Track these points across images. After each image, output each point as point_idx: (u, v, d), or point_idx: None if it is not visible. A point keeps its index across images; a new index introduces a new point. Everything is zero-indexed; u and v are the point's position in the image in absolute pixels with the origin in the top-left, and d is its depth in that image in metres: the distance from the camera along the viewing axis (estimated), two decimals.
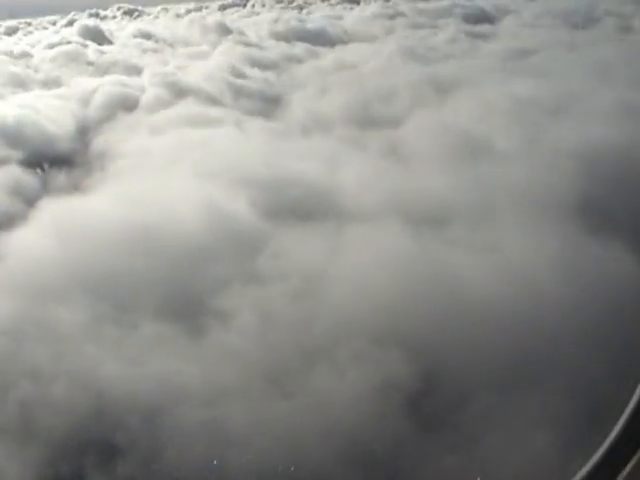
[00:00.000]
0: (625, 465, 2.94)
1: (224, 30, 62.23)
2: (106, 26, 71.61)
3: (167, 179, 28.18)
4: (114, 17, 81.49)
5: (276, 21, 64.48)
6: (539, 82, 36.86)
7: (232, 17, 74.22)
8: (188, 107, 42.25)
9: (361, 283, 18.95)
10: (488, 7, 64.67)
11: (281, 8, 77.88)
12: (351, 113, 37.10)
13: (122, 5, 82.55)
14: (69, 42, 60.61)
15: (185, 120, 38.93)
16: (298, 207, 24.04)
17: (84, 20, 72.77)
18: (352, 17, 67.11)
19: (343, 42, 58.09)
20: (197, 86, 46.45)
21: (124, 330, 18.65)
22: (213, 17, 69.50)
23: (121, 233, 23.03)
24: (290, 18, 65.52)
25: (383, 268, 19.50)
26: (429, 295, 18.60)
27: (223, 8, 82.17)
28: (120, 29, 69.62)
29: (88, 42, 61.34)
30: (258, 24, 65.74)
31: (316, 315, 18.61)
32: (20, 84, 50.49)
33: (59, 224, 25.19)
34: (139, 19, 79.89)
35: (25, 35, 72.12)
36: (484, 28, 57.85)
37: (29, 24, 78.02)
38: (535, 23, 57.61)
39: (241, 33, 61.73)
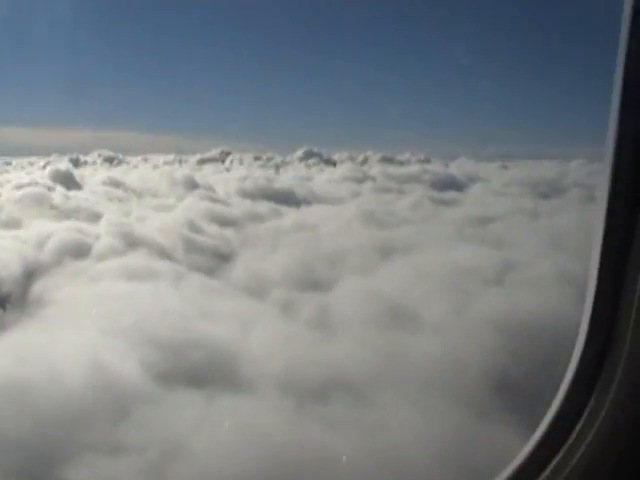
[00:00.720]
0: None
1: (193, 184, 62.63)
2: (79, 171, 72.70)
3: (75, 331, 27.15)
4: (94, 163, 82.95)
5: (245, 179, 64.87)
6: (487, 250, 36.79)
7: (206, 172, 75.56)
8: (135, 258, 41.71)
9: (219, 461, 17.41)
10: (458, 174, 65.99)
11: (258, 166, 79.45)
12: (292, 275, 36.61)
13: (103, 152, 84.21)
14: (37, 184, 60.92)
15: (125, 271, 38.32)
16: (193, 372, 22.89)
17: (57, 164, 73.95)
18: (321, 179, 68.01)
19: (308, 203, 58.28)
20: (151, 238, 45.96)
21: None
22: (183, 171, 70.12)
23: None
24: (259, 177, 66.02)
25: (249, 445, 18.00)
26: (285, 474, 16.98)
27: (202, 162, 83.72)
28: (92, 175, 70.13)
29: (57, 186, 61.54)
30: (229, 180, 66.23)
31: None
32: None
33: None
34: (118, 167, 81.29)
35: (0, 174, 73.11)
36: (450, 195, 58.40)
37: (9, 164, 79.44)
38: (503, 191, 58.93)
39: (209, 188, 62.10)
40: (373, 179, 65.17)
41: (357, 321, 28.01)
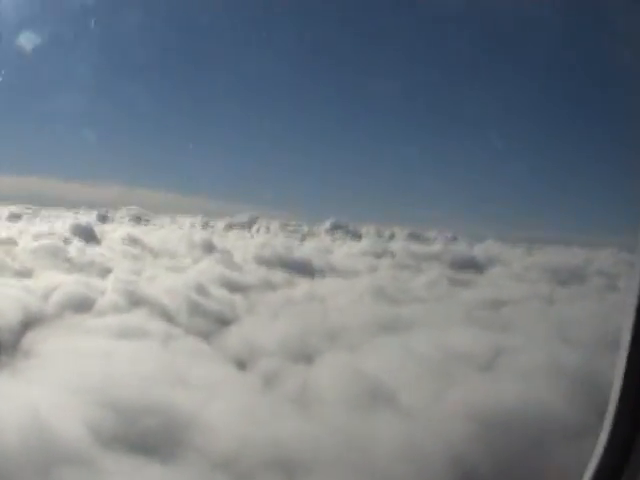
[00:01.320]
0: None
1: (210, 248, 62.20)
2: (105, 227, 72.91)
3: (40, 386, 26.34)
4: (121, 219, 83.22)
5: (264, 246, 64.23)
6: (489, 334, 35.46)
7: (230, 237, 75.40)
8: (134, 317, 41.02)
9: None
10: (479, 256, 64.80)
11: (285, 235, 78.90)
12: (285, 345, 35.56)
13: (132, 209, 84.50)
14: (55, 236, 61.11)
15: (119, 329, 37.73)
16: (139, 438, 21.70)
17: (83, 217, 74.59)
18: (341, 252, 67.20)
19: (324, 275, 57.35)
20: (156, 298, 45.23)
21: None
22: (203, 234, 69.80)
23: None
24: (278, 245, 65.32)
25: None
26: None
27: (229, 227, 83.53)
28: (114, 231, 70.03)
29: (75, 239, 61.57)
30: (248, 246, 65.69)
31: None
32: None
33: None
34: (143, 225, 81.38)
35: (25, 223, 73.49)
36: (468, 275, 57.21)
37: (36, 213, 80.00)
38: (522, 275, 57.71)
39: (226, 253, 61.53)
40: (392, 255, 64.09)
41: (331, 399, 26.65)
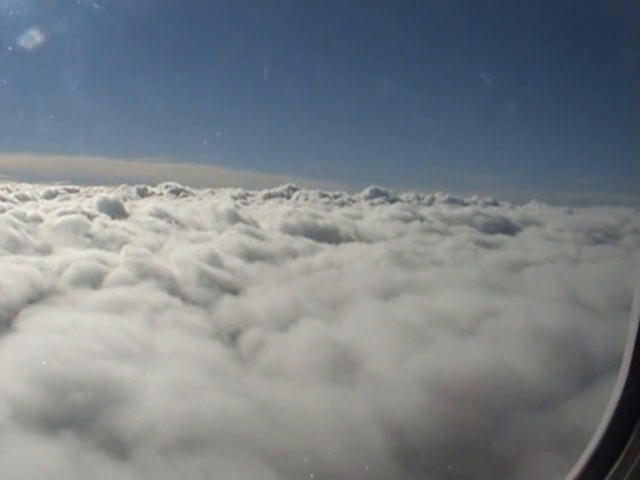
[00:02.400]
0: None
1: (235, 218, 61.05)
2: (132, 202, 72.63)
3: None
4: (160, 194, 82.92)
5: (292, 214, 62.69)
6: (486, 297, 33.63)
7: (265, 207, 74.43)
8: (136, 290, 40.12)
9: None
10: (514, 218, 62.19)
11: (323, 204, 77.46)
12: (277, 314, 33.90)
13: (171, 184, 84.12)
14: (81, 212, 60.81)
15: (116, 303, 36.62)
16: (66, 415, 20.32)
17: (119, 192, 74.61)
18: (370, 217, 65.32)
19: (349, 241, 55.83)
20: (165, 270, 44.30)
21: None
22: (227, 204, 68.52)
23: None
24: (306, 213, 63.61)
25: None
26: None
27: (268, 197, 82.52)
28: (142, 206, 69.53)
29: (101, 214, 61.18)
30: (274, 215, 64.33)
31: None
32: (14, 248, 50.08)
33: None
34: (182, 198, 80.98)
35: (60, 201, 73.84)
36: (498, 238, 54.73)
37: (74, 191, 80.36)
38: (554, 236, 55.37)
39: (251, 223, 60.22)
40: (421, 219, 61.86)
41: (294, 370, 25.05)
